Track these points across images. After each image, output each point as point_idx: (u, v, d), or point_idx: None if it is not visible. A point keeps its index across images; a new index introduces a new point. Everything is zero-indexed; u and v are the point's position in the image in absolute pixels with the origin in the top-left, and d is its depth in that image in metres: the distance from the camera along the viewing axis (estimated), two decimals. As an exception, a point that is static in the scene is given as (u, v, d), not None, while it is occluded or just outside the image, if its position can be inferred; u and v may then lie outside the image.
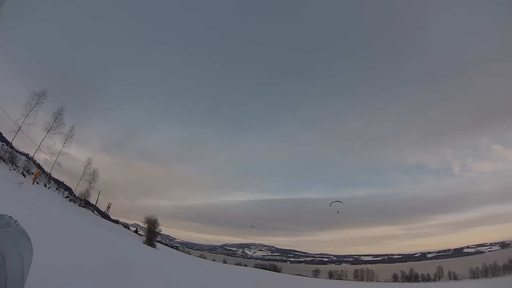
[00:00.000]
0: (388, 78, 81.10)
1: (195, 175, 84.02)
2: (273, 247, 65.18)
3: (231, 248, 65.95)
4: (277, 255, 63.83)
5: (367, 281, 52.33)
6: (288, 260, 62.22)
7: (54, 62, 57.16)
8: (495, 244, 48.93)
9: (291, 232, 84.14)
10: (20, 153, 29.90)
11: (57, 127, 32.05)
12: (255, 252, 64.48)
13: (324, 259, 60.86)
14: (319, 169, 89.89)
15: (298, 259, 62.30)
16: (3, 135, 29.33)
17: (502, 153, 66.80)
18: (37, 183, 28.53)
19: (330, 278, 55.08)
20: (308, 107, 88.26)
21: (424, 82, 76.09)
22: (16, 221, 1.60)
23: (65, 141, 33.46)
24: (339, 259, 59.88)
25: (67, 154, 33.71)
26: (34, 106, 29.04)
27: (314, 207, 65.58)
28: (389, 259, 57.20)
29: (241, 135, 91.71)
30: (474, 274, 43.27)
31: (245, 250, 65.04)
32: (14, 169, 26.86)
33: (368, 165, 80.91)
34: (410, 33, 71.91)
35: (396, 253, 57.60)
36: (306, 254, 62.81)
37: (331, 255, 61.14)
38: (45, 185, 31.24)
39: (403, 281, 49.14)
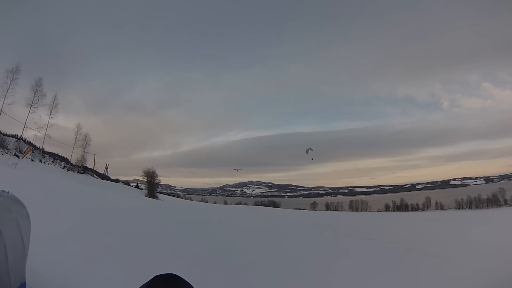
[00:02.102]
0: (372, 6, 72.37)
1: (184, 120, 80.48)
2: (271, 183, 67.11)
3: (230, 189, 66.67)
4: (275, 191, 66.41)
5: (361, 211, 57.89)
6: (286, 195, 65.37)
7: (15, 31, 51.26)
8: (479, 178, 54.89)
9: (286, 167, 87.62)
10: (8, 135, 29.53)
11: (38, 99, 31.36)
12: (253, 190, 66.14)
13: (320, 192, 64.88)
14: (308, 102, 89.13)
15: (295, 194, 65.66)
16: (-14, 122, 28.56)
17: (491, 91, 68.17)
18: (32, 160, 28.90)
19: (327, 210, 59.90)
20: (291, 38, 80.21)
21: (411, 12, 69.14)
22: (8, 192, 1.65)
23: (51, 112, 32.89)
24: (335, 191, 64.23)
25: (55, 124, 33.31)
26: (10, 84, 28.50)
27: (306, 141, 65.45)
28: (381, 190, 62.65)
29: (225, 73, 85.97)
30: (459, 205, 49.41)
31: (243, 189, 66.25)
32: (6, 153, 26.95)
33: (357, 97, 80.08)
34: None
35: (387, 184, 63.00)
36: (302, 188, 66.13)
37: (327, 187, 65.11)
38: (41, 161, 31.27)
39: (394, 211, 55.12)
